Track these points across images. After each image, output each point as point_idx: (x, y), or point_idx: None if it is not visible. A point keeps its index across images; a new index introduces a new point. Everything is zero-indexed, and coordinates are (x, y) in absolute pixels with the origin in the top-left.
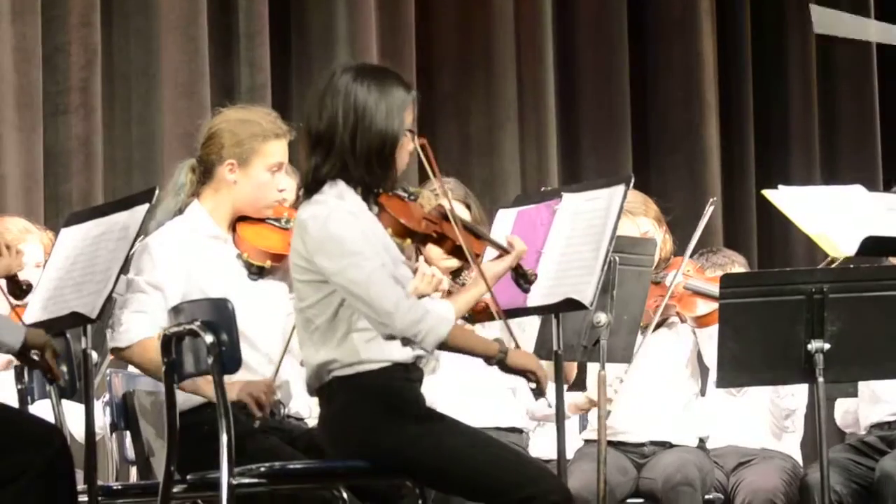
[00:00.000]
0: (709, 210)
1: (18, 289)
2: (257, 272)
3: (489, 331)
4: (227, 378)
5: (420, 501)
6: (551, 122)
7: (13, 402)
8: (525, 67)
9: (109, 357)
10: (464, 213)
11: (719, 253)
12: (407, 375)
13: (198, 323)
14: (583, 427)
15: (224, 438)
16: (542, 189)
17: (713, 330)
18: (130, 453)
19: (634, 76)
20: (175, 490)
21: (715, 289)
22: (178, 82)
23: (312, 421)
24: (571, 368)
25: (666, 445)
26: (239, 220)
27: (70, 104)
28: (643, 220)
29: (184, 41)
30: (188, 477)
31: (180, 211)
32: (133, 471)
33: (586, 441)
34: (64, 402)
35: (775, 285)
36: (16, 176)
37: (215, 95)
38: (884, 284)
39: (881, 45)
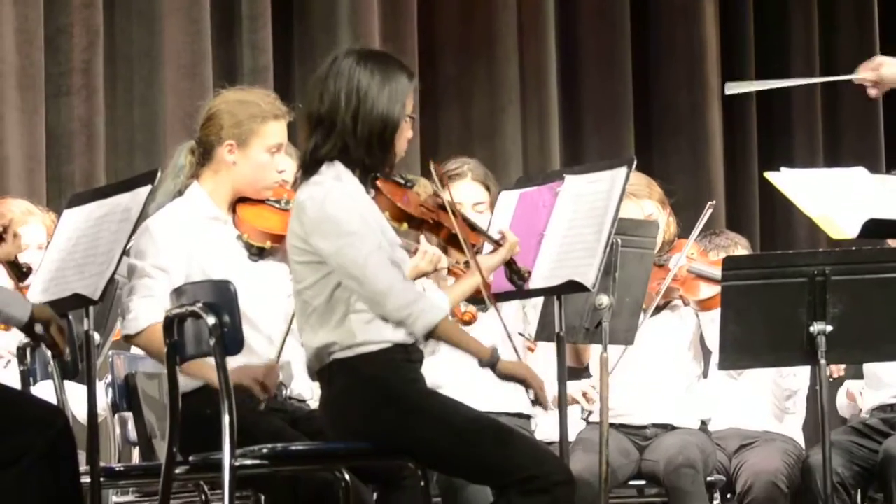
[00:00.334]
0: (707, 212)
1: (19, 271)
2: (257, 253)
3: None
4: (229, 360)
5: (422, 482)
6: (553, 104)
7: (15, 383)
8: (527, 50)
9: (112, 339)
10: (482, 195)
11: (722, 235)
12: (407, 357)
13: (200, 304)
14: (589, 411)
15: (226, 420)
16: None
17: (715, 314)
18: (132, 435)
19: (637, 58)
20: (177, 471)
21: (718, 272)
22: (181, 64)
23: (314, 402)
24: (586, 351)
25: (668, 428)
26: (239, 201)
27: (72, 85)
28: (647, 203)
29: (186, 23)
30: (190, 458)
31: (180, 193)
32: (135, 452)
33: (588, 423)
34: (66, 383)
35: (777, 268)
36: (18, 157)
37: (217, 77)
38: (886, 267)
39: (883, 33)
